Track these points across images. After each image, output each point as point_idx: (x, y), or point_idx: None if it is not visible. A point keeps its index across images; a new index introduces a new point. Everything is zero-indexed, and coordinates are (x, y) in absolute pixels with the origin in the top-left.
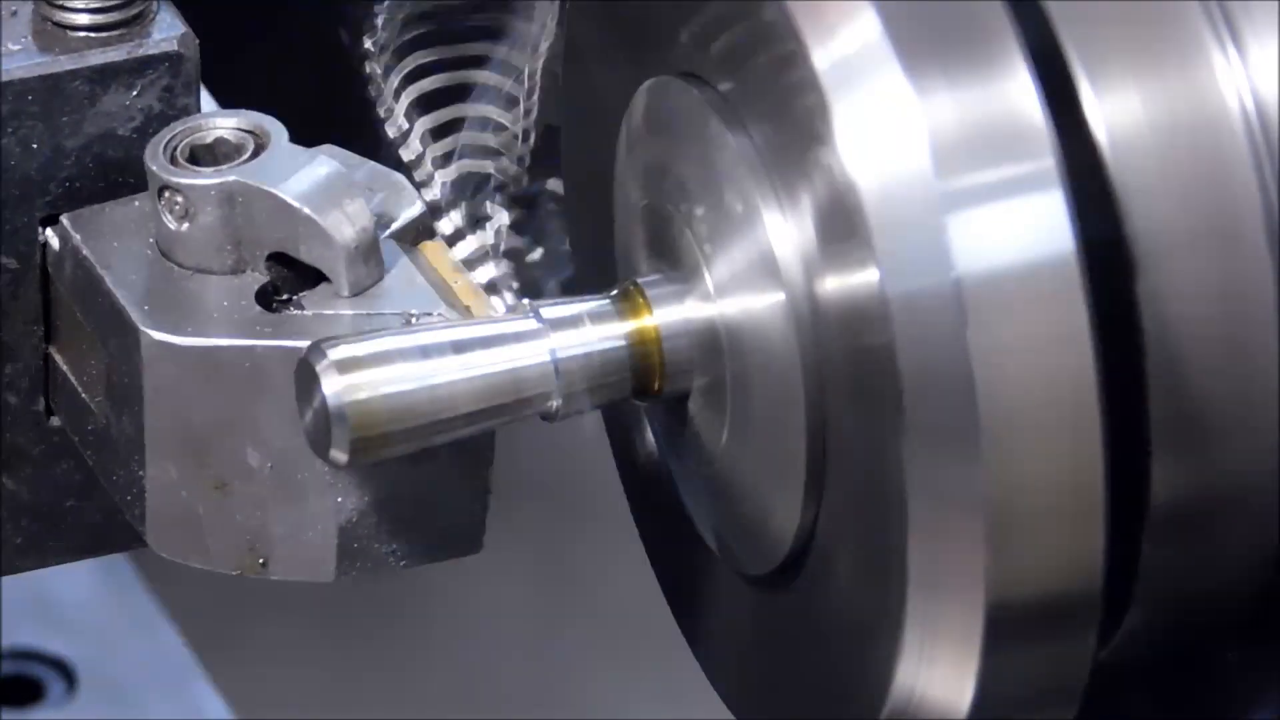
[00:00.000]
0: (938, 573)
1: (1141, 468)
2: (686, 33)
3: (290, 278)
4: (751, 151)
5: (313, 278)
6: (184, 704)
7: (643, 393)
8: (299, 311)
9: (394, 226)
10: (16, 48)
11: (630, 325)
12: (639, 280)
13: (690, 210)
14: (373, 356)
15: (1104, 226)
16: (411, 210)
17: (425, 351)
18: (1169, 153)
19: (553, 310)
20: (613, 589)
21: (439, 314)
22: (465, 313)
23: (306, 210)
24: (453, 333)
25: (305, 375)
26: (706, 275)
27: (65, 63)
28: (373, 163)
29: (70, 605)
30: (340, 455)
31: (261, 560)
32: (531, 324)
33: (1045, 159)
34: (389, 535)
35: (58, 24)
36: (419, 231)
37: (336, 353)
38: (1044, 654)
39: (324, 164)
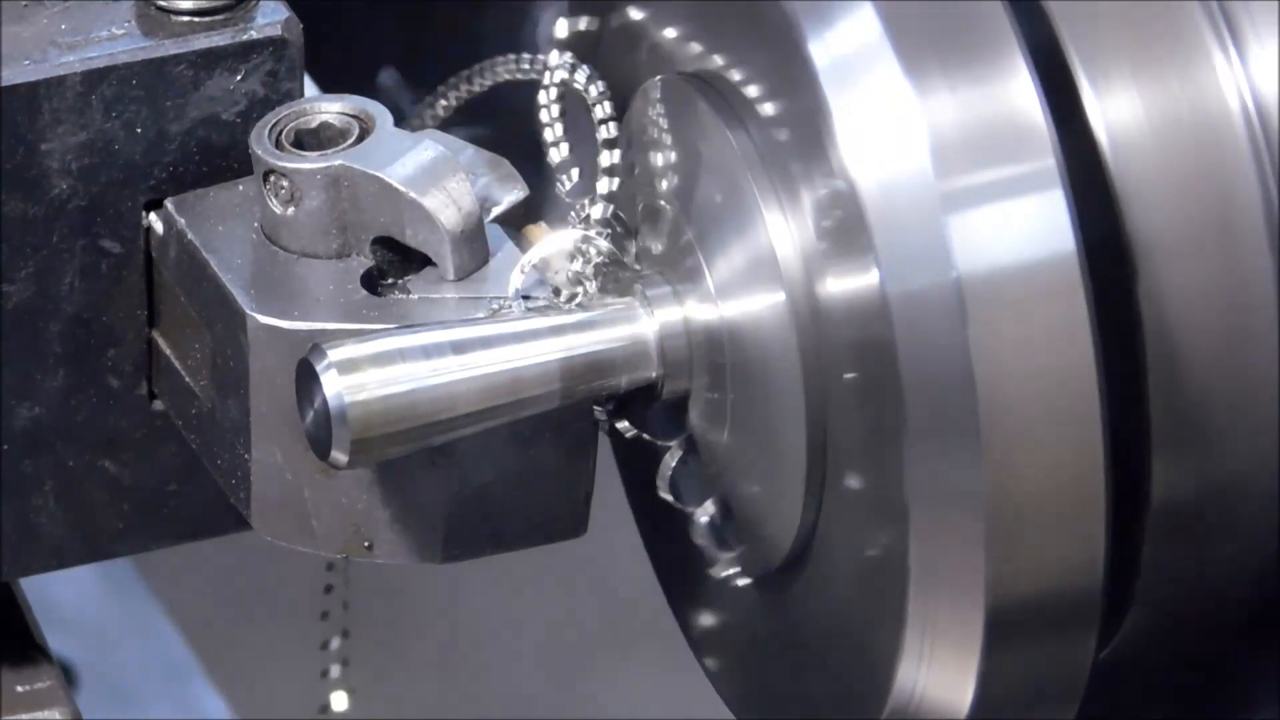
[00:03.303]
0: (938, 573)
1: (1142, 467)
2: (687, 32)
3: (396, 261)
4: (751, 151)
5: (418, 261)
6: (184, 703)
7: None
8: (405, 295)
9: (498, 210)
10: (120, 32)
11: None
12: (639, 281)
13: (690, 211)
14: (373, 357)
15: (1104, 226)
16: (515, 194)
17: (427, 351)
18: (1169, 153)
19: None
20: (613, 588)
21: (545, 299)
22: (568, 292)
23: (412, 194)
24: (453, 333)
25: (306, 376)
26: (707, 275)
27: (169, 47)
28: (475, 147)
29: (70, 605)
30: (340, 456)
31: (366, 543)
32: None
33: (1045, 159)
34: (494, 519)
35: (161, 8)
36: (523, 215)
37: (337, 353)
38: (1044, 654)
39: (429, 148)
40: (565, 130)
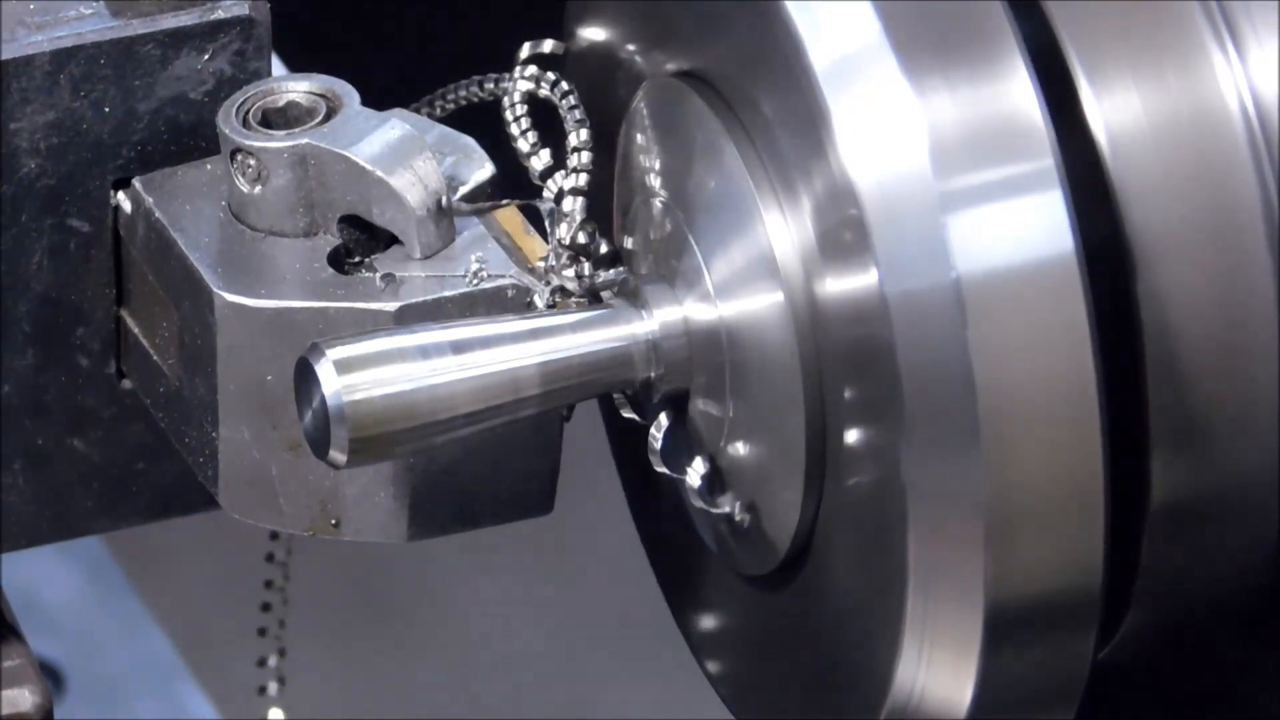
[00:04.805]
0: (937, 573)
1: (1141, 467)
2: (686, 33)
3: (362, 240)
4: (750, 151)
5: (385, 240)
6: (170, 704)
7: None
8: (371, 274)
9: (465, 189)
10: (89, 12)
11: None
12: (639, 280)
13: (689, 210)
14: (372, 356)
15: (1104, 226)
16: (482, 173)
17: (425, 351)
18: (1168, 153)
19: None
20: (613, 589)
21: (510, 275)
22: (534, 274)
23: (378, 172)
24: (452, 332)
25: (304, 375)
26: (706, 275)
27: (137, 27)
28: (443, 126)
29: (57, 607)
30: (339, 456)
31: (334, 521)
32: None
33: (1045, 159)
34: (461, 496)
35: None
36: (490, 194)
37: (336, 352)
38: (1044, 654)
39: (396, 127)
40: (540, 136)
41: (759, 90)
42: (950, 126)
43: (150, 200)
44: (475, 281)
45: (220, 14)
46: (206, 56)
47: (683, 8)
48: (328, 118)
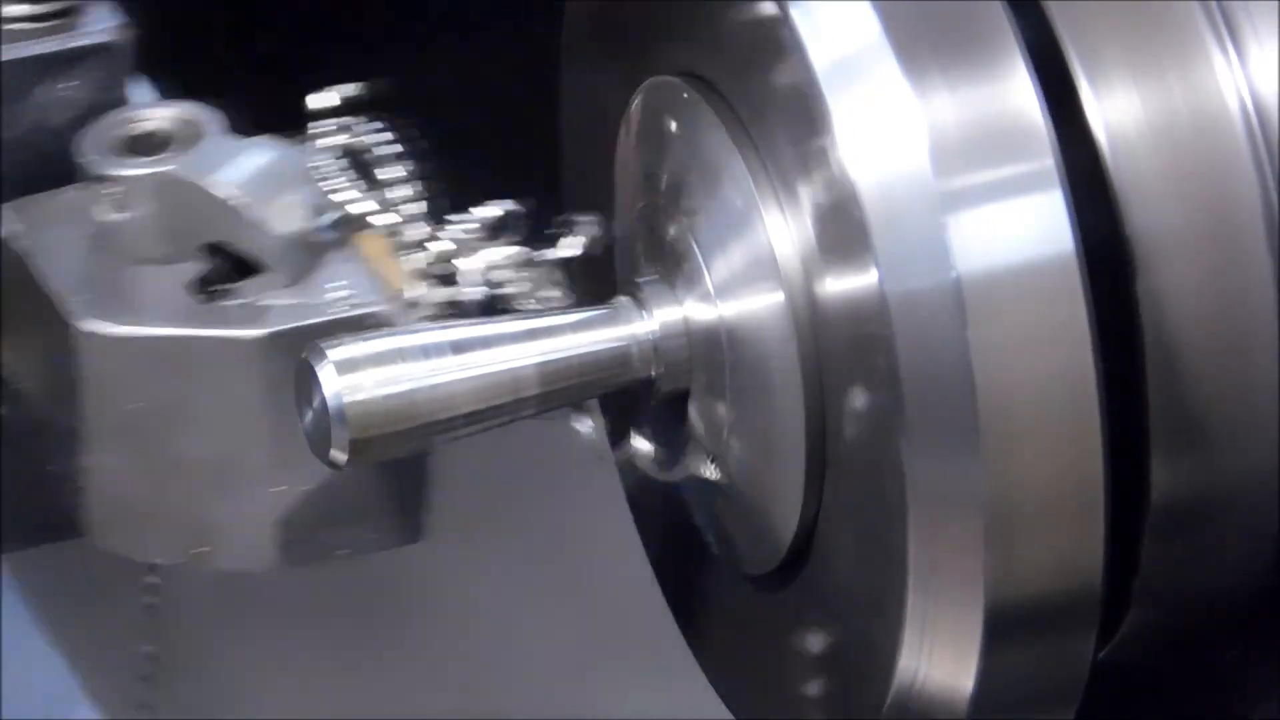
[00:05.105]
0: (937, 572)
1: (1141, 467)
2: (686, 33)
3: (227, 268)
4: (751, 151)
5: (250, 267)
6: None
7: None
8: (236, 301)
9: (328, 216)
10: None
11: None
12: (639, 280)
13: (690, 210)
14: (372, 357)
15: (1104, 226)
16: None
17: (426, 351)
18: (1169, 153)
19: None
20: (613, 588)
21: (374, 303)
22: (400, 299)
23: (242, 200)
24: (452, 332)
25: (305, 376)
26: (706, 275)
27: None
28: (308, 152)
29: None
30: (340, 456)
31: (204, 550)
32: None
33: (1045, 159)
34: (330, 524)
35: None
36: (356, 219)
37: (337, 353)
38: (1044, 653)
39: (261, 154)
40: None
41: (759, 90)
42: (950, 126)
43: (12, 228)
44: (339, 309)
45: (84, 41)
46: (70, 83)
47: (682, 8)
48: (192, 145)
